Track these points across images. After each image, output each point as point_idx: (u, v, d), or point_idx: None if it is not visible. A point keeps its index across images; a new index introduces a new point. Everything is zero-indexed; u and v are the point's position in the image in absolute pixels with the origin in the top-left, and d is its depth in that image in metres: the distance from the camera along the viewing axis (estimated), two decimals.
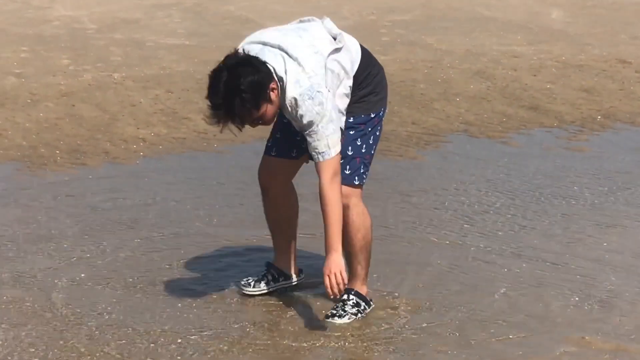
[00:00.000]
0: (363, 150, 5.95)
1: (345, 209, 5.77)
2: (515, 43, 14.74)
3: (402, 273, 6.81)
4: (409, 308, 6.17)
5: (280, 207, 6.36)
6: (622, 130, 10.62)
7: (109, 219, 7.97)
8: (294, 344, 5.61)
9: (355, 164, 5.90)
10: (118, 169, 9.39)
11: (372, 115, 5.97)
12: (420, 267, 6.94)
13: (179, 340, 5.60)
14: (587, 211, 8.12)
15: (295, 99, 5.46)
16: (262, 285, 6.34)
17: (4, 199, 8.49)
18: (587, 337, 5.66)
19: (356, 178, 5.93)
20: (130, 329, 5.74)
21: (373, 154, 6.08)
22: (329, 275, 5.47)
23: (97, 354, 5.38)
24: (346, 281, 5.66)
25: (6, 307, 6.01)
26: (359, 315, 6.02)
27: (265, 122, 5.68)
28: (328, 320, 5.98)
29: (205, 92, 5.34)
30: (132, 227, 7.81)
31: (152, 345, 5.54)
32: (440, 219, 7.97)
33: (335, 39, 5.79)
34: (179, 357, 5.41)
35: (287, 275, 6.41)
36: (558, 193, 8.57)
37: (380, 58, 11.28)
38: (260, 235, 7.02)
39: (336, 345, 5.61)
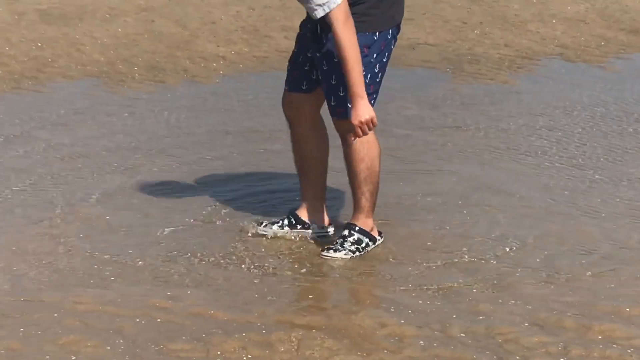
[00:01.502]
0: (367, 81, 5.27)
1: (349, 138, 5.46)
2: None
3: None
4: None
5: (305, 144, 5.78)
6: None
7: (186, 139, 7.37)
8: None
9: None
10: (197, 87, 8.62)
11: (376, 38, 5.33)
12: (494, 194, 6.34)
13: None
14: None
15: None
16: (275, 227, 5.78)
17: (81, 114, 7.87)
18: None
19: None
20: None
21: (379, 81, 5.46)
22: (359, 125, 5.14)
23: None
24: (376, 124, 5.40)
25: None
26: (358, 253, 5.47)
27: None
28: (323, 253, 5.48)
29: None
30: (210, 148, 7.17)
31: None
32: (530, 146, 7.18)
33: None
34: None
35: (305, 224, 5.75)
36: None
37: None
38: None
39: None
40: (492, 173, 6.72)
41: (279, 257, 5.41)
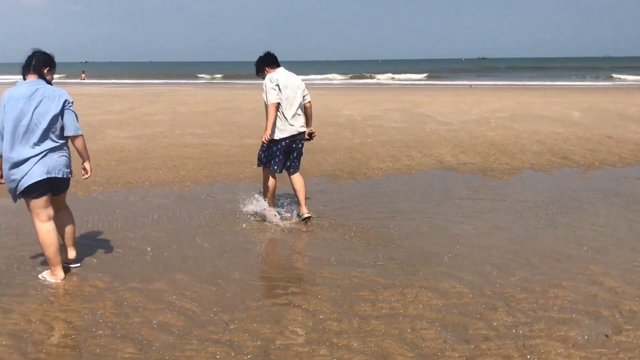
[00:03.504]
0: (266, 153, 6.28)
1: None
2: (556, 127, 14.15)
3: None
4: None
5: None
6: (609, 170, 9.49)
7: (365, 212, 7.03)
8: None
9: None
10: (370, 180, 8.76)
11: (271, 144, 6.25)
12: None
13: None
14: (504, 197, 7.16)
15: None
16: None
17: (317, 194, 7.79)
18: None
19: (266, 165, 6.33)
20: None
21: (272, 155, 6.23)
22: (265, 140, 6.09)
23: None
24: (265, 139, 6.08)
25: None
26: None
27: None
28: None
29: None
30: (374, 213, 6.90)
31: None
32: (512, 207, 7.03)
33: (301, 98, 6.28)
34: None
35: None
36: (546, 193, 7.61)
37: (489, 134, 12.23)
38: None
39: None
40: (498, 216, 6.65)
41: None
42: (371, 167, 9.77)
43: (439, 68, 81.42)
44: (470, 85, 39.77)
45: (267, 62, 6.35)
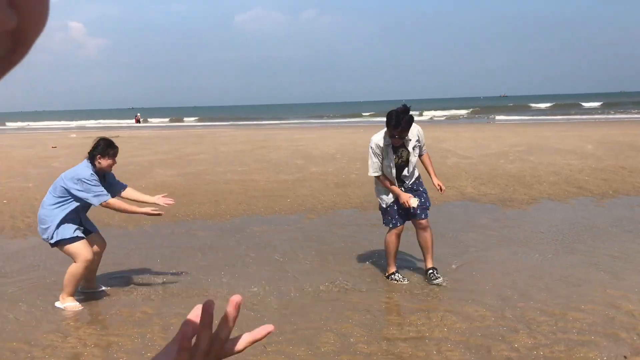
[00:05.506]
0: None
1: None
2: (571, 159, 13.92)
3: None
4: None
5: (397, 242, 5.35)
6: (623, 198, 9.11)
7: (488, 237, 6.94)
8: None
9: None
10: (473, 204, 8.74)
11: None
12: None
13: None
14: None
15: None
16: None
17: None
18: None
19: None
20: None
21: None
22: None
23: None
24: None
25: None
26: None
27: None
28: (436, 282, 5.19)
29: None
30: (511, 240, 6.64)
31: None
32: (531, 232, 7.04)
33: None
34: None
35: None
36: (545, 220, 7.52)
37: (508, 166, 12.02)
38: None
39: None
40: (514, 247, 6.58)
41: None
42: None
43: (458, 106, 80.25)
44: (489, 121, 39.67)
45: None
